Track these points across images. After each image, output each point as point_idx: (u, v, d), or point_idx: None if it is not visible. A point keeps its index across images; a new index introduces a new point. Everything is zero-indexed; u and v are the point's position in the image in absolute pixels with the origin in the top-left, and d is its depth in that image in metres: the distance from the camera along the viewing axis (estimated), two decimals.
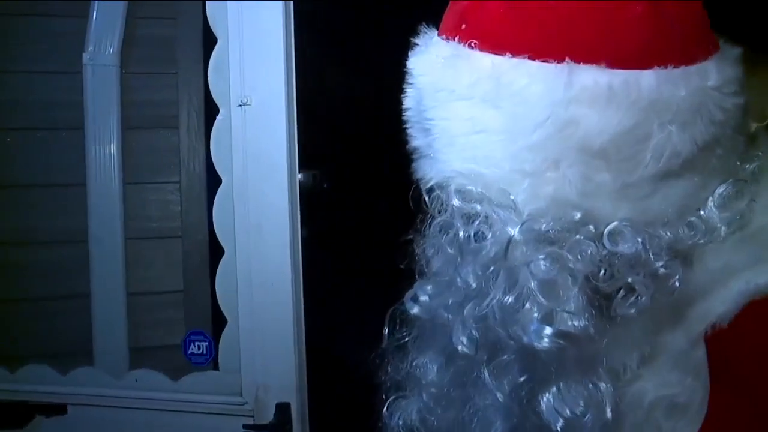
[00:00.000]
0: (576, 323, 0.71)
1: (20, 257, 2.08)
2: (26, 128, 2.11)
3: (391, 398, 0.90)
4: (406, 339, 0.88)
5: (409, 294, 0.84)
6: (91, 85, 1.84)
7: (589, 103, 0.69)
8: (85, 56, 1.83)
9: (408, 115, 0.80)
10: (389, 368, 0.90)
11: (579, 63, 0.69)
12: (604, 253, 0.72)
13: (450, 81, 0.75)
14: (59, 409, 1.69)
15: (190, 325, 2.17)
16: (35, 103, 2.10)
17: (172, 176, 2.24)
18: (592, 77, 0.69)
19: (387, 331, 0.88)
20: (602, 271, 0.73)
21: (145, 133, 2.16)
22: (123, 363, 2.01)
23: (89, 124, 1.94)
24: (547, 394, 0.75)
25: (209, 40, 1.62)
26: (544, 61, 0.70)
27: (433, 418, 0.87)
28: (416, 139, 0.80)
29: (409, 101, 0.80)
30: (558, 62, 0.69)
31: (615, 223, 0.72)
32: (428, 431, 0.88)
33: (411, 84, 0.79)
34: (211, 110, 1.72)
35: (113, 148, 2.00)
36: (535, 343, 0.71)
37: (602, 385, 0.75)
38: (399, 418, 0.89)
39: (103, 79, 1.84)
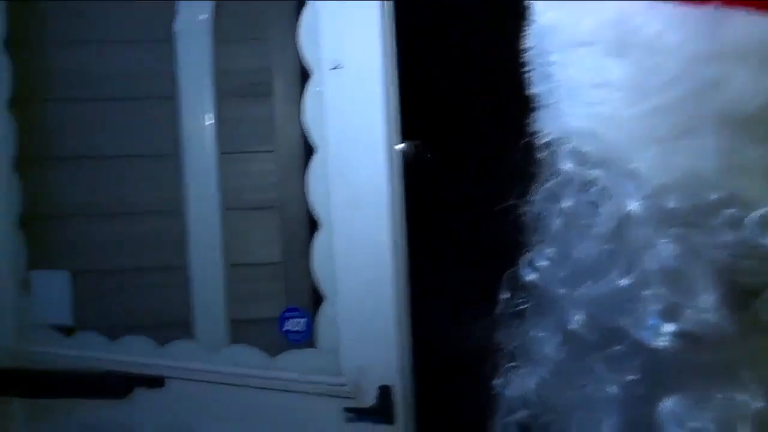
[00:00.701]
0: (705, 323, 0.59)
1: (117, 228, 2.08)
2: (119, 98, 2.09)
3: (507, 368, 0.80)
4: (522, 306, 0.77)
5: (525, 259, 0.74)
6: (182, 54, 1.79)
7: (740, 60, 0.57)
8: (176, 23, 1.78)
9: (529, 55, 0.69)
10: (503, 337, 0.80)
11: (729, 8, 0.56)
12: (749, 243, 0.60)
13: (572, 21, 0.63)
14: (157, 382, 1.67)
15: (290, 299, 2.13)
16: (128, 73, 2.08)
17: (267, 146, 2.19)
18: (744, 27, 0.56)
19: (502, 295, 0.78)
20: (744, 265, 0.60)
21: (238, 101, 2.10)
22: (221, 337, 1.98)
23: (182, 94, 1.90)
24: (667, 399, 0.63)
25: (301, 1, 1.54)
26: (683, 3, 0.58)
27: (551, 394, 0.77)
28: (536, 86, 0.69)
29: (530, 40, 0.68)
30: (702, 5, 0.57)
31: (765, 209, 0.59)
32: (545, 407, 0.78)
33: (532, 20, 0.68)
34: (306, 77, 1.64)
35: (208, 118, 1.96)
36: (650, 341, 0.60)
37: (739, 399, 0.63)
38: (516, 390, 0.79)
39: (195, 47, 1.78)
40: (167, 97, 1.93)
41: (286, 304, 2.16)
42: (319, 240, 1.49)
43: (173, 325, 1.89)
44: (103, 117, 2.11)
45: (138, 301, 2.04)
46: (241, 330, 1.92)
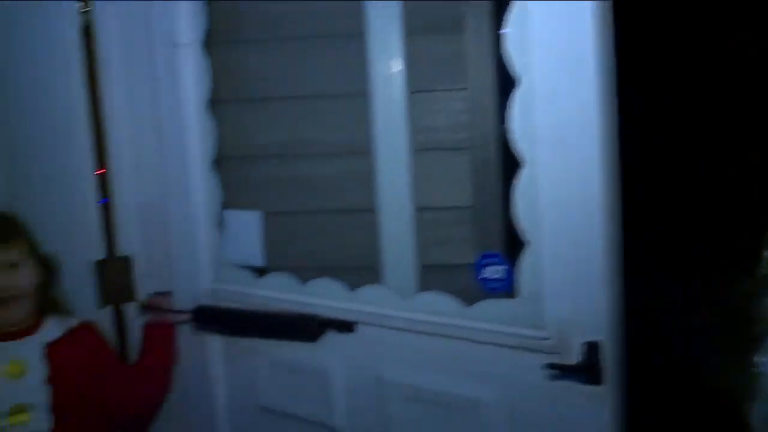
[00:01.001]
0: None
1: (308, 169, 2.04)
2: (309, 37, 2.04)
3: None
4: None
5: None
6: None
7: None
8: None
9: None
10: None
11: None
12: None
13: None
14: (348, 326, 1.63)
15: (479, 245, 2.02)
16: (317, 12, 2.01)
17: (460, 83, 2.06)
18: None
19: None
20: None
21: (428, 38, 1.99)
22: (411, 282, 1.92)
23: (371, 32, 1.82)
24: None
25: None
26: None
27: None
28: None
29: None
30: None
31: None
32: None
33: None
34: (499, 8, 1.49)
35: (397, 56, 1.87)
36: None
37: None
38: None
39: None
40: (357, 35, 1.85)
41: (475, 251, 2.06)
42: (523, 180, 1.35)
43: (363, 268, 1.84)
44: (293, 57, 2.08)
45: (328, 243, 2.01)
46: (431, 275, 1.84)
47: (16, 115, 1.87)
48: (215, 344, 1.87)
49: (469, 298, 1.50)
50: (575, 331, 1.32)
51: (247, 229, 1.75)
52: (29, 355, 1.64)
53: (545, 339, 1.36)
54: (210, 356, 1.87)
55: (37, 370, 1.63)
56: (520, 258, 1.38)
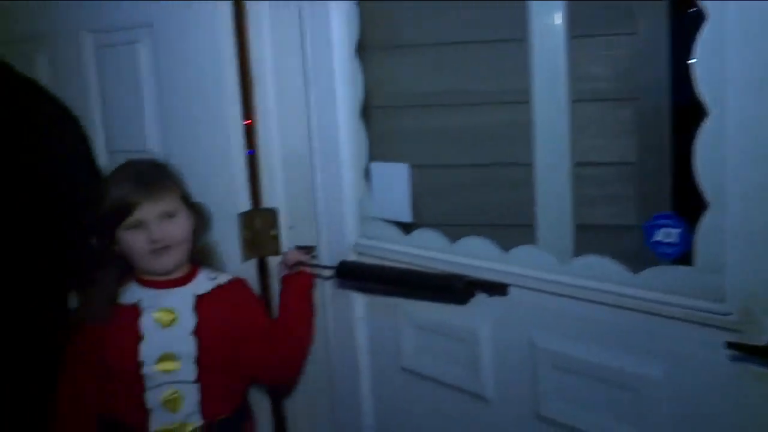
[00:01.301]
0: None
1: (458, 120, 1.93)
2: None
3: None
4: None
5: None
6: None
7: None
8: None
9: None
10: None
11: None
12: None
13: None
14: (500, 289, 1.52)
15: (643, 205, 1.85)
16: None
17: (625, 27, 1.88)
18: None
19: None
20: None
21: None
22: (567, 244, 1.79)
23: None
24: None
25: None
26: None
27: None
28: None
29: None
30: None
31: None
32: None
33: None
34: None
35: None
36: None
37: None
38: None
39: None
40: None
41: (639, 211, 1.89)
42: (706, 132, 1.18)
43: (515, 227, 1.73)
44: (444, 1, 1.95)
45: (478, 199, 1.90)
46: (590, 236, 1.70)
47: (166, 64, 1.86)
48: (358, 302, 1.81)
49: (633, 263, 1.35)
50: (763, 307, 1.15)
51: (395, 182, 1.66)
52: (181, 305, 1.65)
53: (726, 314, 1.19)
54: (353, 314, 1.82)
55: (187, 320, 1.64)
56: (699, 220, 1.22)
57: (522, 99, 1.75)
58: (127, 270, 1.67)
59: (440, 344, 1.66)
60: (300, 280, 1.79)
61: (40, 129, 1.75)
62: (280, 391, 1.95)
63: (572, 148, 1.72)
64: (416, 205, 1.64)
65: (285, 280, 1.80)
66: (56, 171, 1.73)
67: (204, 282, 1.71)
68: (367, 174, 1.74)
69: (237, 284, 1.76)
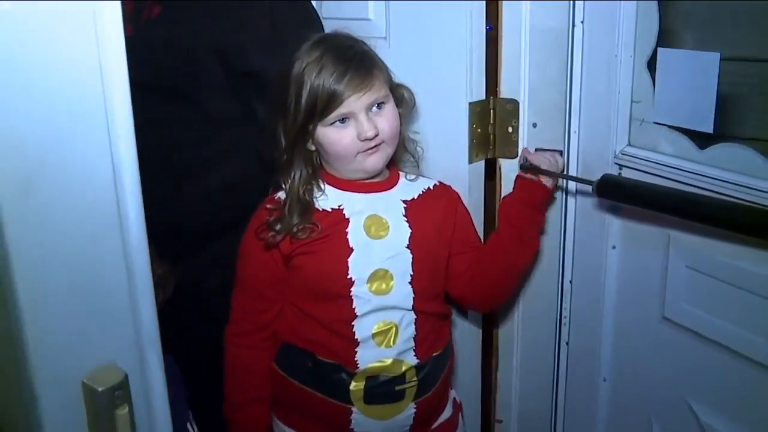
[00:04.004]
0: None
1: None
2: None
3: None
4: None
5: None
6: None
7: None
8: None
9: None
10: None
11: None
12: None
13: None
14: None
15: None
16: None
17: None
18: None
19: None
20: None
21: None
22: None
23: None
24: None
25: None
26: None
27: None
28: None
29: None
30: None
31: None
32: None
33: None
34: None
35: None
36: None
37: None
38: None
39: None
40: None
41: None
42: None
43: None
44: None
45: None
46: None
47: None
48: (614, 227, 1.43)
49: None
50: None
51: (694, 78, 1.22)
52: (390, 212, 1.33)
53: None
54: (605, 242, 1.44)
55: (400, 230, 1.32)
56: None
57: None
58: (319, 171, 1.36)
59: (723, 295, 1.26)
60: (535, 190, 1.42)
61: None
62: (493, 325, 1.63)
63: None
64: (721, 112, 1.21)
65: (518, 185, 1.44)
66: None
67: (408, 186, 1.39)
68: (653, 62, 1.30)
69: (445, 190, 1.43)
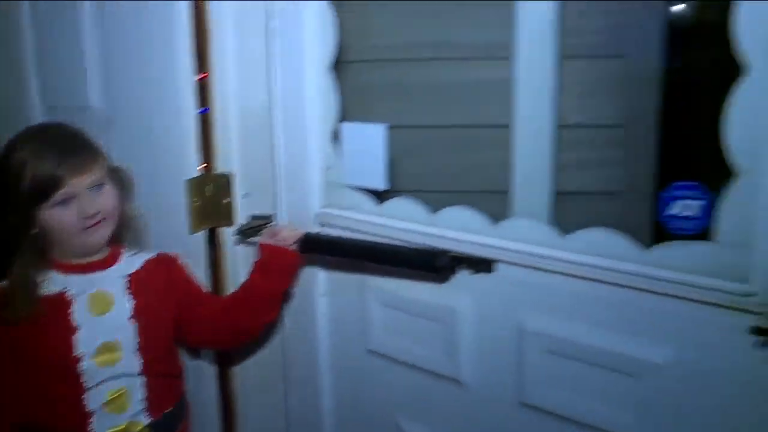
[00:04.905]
0: None
1: (439, 76, 1.75)
2: None
3: None
4: None
5: None
6: None
7: None
8: None
9: None
10: None
11: None
12: None
13: None
14: (486, 265, 1.37)
15: (632, 169, 1.73)
16: None
17: None
18: None
19: None
20: None
21: None
22: (544, 210, 1.66)
23: None
24: None
25: None
26: None
27: None
28: None
29: None
30: None
31: None
32: None
33: None
34: None
35: None
36: None
37: None
38: None
39: None
40: None
41: (626, 178, 1.77)
42: (745, 92, 1.04)
43: (498, 193, 1.57)
44: None
45: (460, 163, 1.73)
46: (572, 203, 1.56)
47: (110, 8, 1.64)
48: (320, 278, 1.65)
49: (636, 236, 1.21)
50: None
51: (369, 145, 1.48)
52: (113, 288, 1.45)
53: (751, 295, 1.07)
54: (314, 291, 1.66)
55: (123, 304, 1.44)
56: (727, 191, 1.08)
57: (506, 55, 1.59)
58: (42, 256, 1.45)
59: (413, 325, 1.52)
60: (287, 258, 1.57)
61: None
62: (227, 376, 1.78)
63: (556, 108, 1.58)
64: (391, 171, 1.48)
65: (264, 250, 1.58)
66: None
67: (130, 260, 1.51)
68: (336, 136, 1.56)
69: (164, 256, 1.57)
